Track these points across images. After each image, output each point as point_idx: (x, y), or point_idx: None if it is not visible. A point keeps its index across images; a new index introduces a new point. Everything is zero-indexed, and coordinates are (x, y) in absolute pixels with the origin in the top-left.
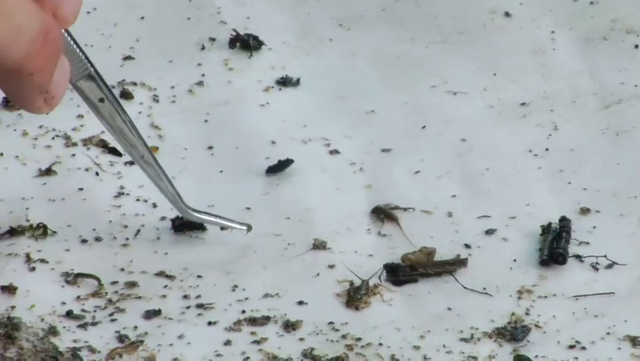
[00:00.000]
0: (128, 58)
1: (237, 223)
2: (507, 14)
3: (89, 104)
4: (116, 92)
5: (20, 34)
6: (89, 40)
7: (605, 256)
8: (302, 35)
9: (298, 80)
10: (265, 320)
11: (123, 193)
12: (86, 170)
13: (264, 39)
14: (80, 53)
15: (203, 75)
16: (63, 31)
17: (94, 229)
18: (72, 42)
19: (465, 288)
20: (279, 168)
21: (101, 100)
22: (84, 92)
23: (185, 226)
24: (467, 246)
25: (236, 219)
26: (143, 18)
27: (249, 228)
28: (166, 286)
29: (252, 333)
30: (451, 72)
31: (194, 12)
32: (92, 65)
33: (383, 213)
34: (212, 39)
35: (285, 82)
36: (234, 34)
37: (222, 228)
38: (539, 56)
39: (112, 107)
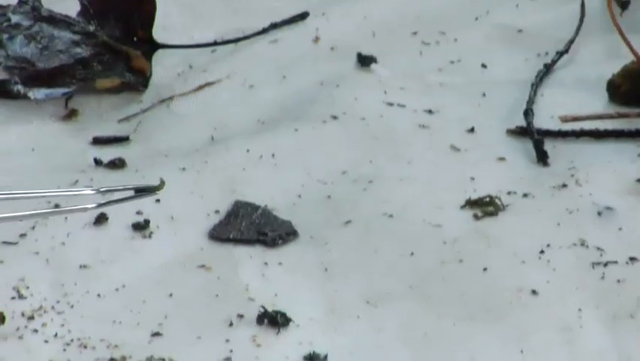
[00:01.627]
0: (156, 334)
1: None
2: (534, 292)
3: None
4: None
5: None
6: (118, 316)
7: None
8: (329, 312)
9: (326, 357)
10: None
11: None
12: None
13: (292, 315)
14: None
15: (231, 351)
16: None
17: None
18: None
19: None
20: None
21: None
22: None
23: None
24: None
25: None
26: (171, 295)
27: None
28: None
29: None
30: (479, 349)
31: (222, 288)
32: None
33: None
34: (241, 315)
35: (312, 358)
36: (262, 310)
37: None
38: (566, 333)
39: None
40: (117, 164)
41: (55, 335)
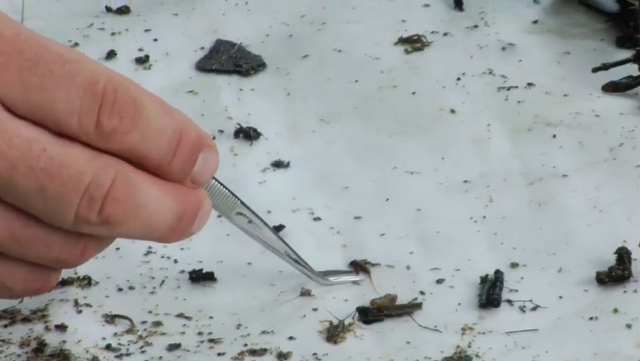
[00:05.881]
0: None
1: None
2: (452, 111)
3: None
4: None
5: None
6: None
7: (531, 301)
8: (291, 127)
9: (288, 163)
10: (263, 351)
11: (151, 252)
12: None
13: (262, 130)
14: (227, 192)
15: None
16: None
17: (128, 280)
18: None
19: (420, 326)
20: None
21: (250, 221)
22: (236, 224)
23: (200, 277)
24: (422, 293)
25: (238, 271)
26: None
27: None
28: (184, 325)
29: None
30: (409, 156)
31: (206, 109)
32: (239, 199)
33: (358, 266)
34: (221, 131)
35: (278, 164)
36: (238, 127)
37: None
38: (478, 143)
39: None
40: (123, 10)
41: None
